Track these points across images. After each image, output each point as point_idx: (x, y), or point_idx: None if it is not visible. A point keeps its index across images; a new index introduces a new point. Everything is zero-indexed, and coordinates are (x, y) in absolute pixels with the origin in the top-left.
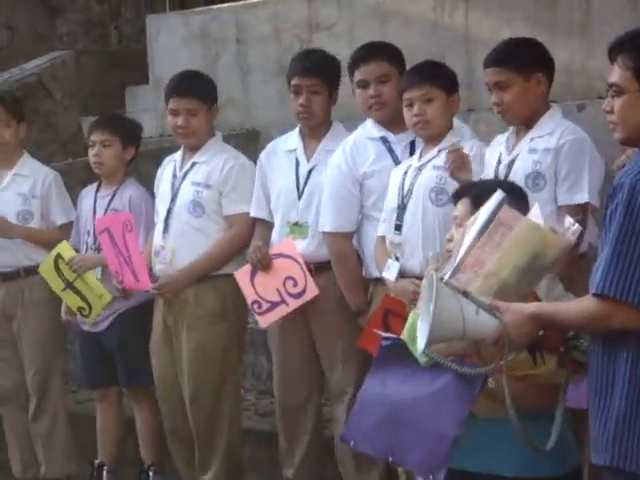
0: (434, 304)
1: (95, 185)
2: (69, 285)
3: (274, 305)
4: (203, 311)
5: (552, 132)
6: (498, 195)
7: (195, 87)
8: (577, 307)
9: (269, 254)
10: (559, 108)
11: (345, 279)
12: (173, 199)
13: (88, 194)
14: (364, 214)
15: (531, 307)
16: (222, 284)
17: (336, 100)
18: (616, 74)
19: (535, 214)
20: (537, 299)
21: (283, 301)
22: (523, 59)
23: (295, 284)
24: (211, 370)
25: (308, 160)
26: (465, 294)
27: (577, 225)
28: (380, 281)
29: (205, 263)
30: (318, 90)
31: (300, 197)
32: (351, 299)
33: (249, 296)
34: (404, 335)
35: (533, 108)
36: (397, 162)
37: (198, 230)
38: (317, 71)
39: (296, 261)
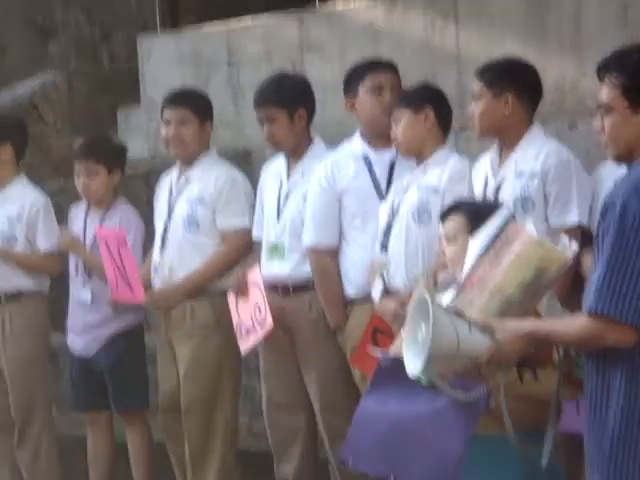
0: (432, 324)
1: (84, 205)
2: None
3: (249, 331)
4: (199, 323)
5: (537, 155)
6: (503, 212)
7: (187, 98)
8: (571, 325)
9: (245, 282)
10: (540, 127)
11: (325, 295)
12: (169, 215)
13: (78, 216)
14: (342, 232)
15: (526, 325)
16: (218, 300)
17: (307, 117)
18: (604, 93)
19: (531, 230)
20: (539, 316)
21: (254, 328)
22: (496, 75)
23: (260, 311)
24: (205, 381)
25: (288, 181)
26: (457, 314)
27: (574, 243)
28: (355, 301)
29: (198, 278)
30: (274, 117)
31: (278, 219)
32: (330, 315)
33: (234, 319)
34: (403, 352)
35: (502, 125)
36: (375, 181)
37: (194, 246)
38: (270, 100)
39: (260, 290)
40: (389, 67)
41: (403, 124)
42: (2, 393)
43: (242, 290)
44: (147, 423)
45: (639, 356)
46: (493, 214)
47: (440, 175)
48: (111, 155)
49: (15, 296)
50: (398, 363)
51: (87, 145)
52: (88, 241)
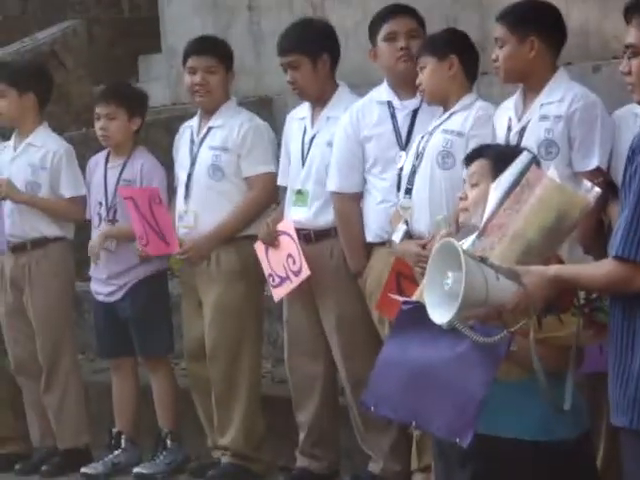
0: (465, 274)
1: (104, 154)
2: None
3: (282, 280)
4: (224, 269)
5: (562, 98)
6: (525, 156)
7: (214, 46)
8: (598, 270)
9: (276, 231)
10: (565, 71)
11: (346, 240)
12: (192, 164)
13: (98, 164)
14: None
15: (552, 269)
16: (243, 245)
17: (331, 64)
18: (633, 35)
19: (553, 176)
20: (560, 262)
21: (288, 277)
22: (519, 19)
23: (294, 262)
24: (230, 325)
25: (312, 128)
26: (483, 260)
27: (596, 188)
28: (375, 246)
29: (228, 227)
30: (297, 64)
31: (303, 165)
32: (351, 260)
33: (265, 269)
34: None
35: (524, 69)
36: (397, 128)
37: (219, 193)
38: (293, 46)
39: (293, 240)
40: (404, 13)
41: (428, 71)
42: (29, 339)
43: (272, 240)
44: (171, 369)
45: None
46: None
47: (465, 119)
48: (131, 100)
49: (40, 242)
50: (420, 308)
51: (108, 89)
52: (110, 190)
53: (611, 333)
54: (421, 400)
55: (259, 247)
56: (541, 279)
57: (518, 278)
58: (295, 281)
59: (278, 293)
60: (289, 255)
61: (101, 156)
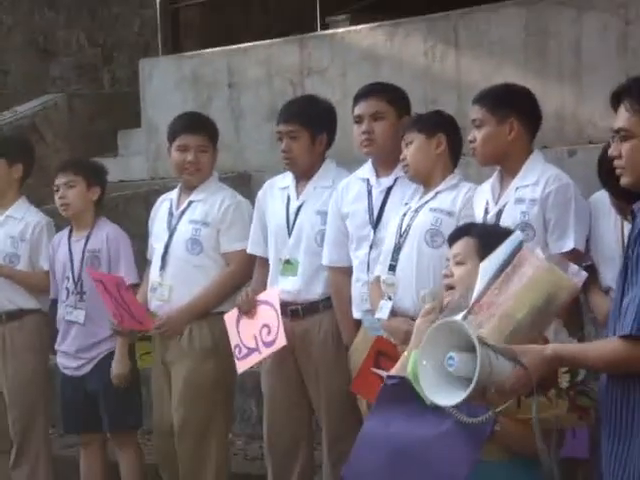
0: (479, 358)
1: (66, 231)
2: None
3: (250, 351)
4: (196, 345)
5: (537, 181)
6: (516, 236)
7: (205, 125)
8: (603, 348)
9: (255, 300)
10: (540, 153)
11: (338, 313)
12: (170, 236)
13: (61, 241)
14: None
15: (549, 349)
16: (216, 322)
17: (327, 144)
18: (623, 118)
19: (541, 257)
20: (547, 342)
21: (257, 348)
22: (499, 101)
23: (269, 332)
24: (199, 403)
25: (298, 197)
26: (481, 340)
27: (583, 272)
28: (359, 322)
29: (203, 302)
30: (297, 136)
31: (290, 234)
32: (344, 331)
33: (233, 339)
34: (408, 374)
35: (505, 151)
36: (369, 206)
37: (195, 267)
38: (297, 118)
39: (274, 309)
40: (371, 95)
41: (414, 147)
42: (1, 413)
43: (249, 308)
44: (138, 445)
45: None
46: (503, 239)
47: (453, 199)
48: (89, 170)
49: (16, 314)
50: (404, 383)
51: (66, 162)
52: (76, 264)
53: (607, 413)
54: (403, 477)
55: (230, 317)
56: (539, 358)
57: (516, 358)
58: (264, 352)
59: (242, 365)
60: (264, 325)
61: (64, 233)
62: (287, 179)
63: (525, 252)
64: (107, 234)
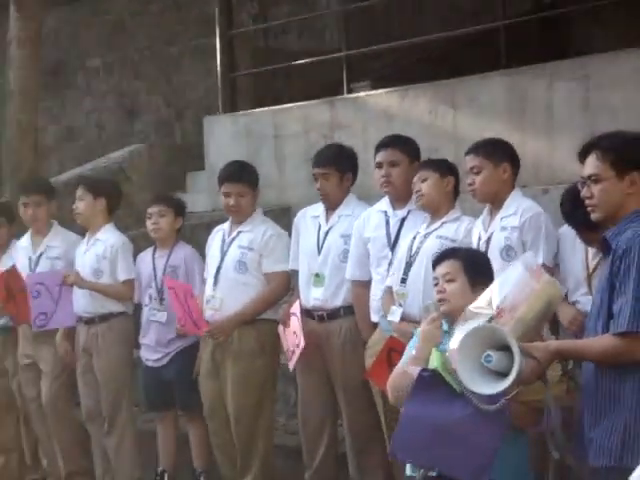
0: (517, 358)
1: (151, 250)
2: None
3: (292, 353)
4: (245, 348)
5: (516, 212)
6: (527, 257)
7: (244, 175)
8: (599, 343)
9: (288, 314)
10: (518, 189)
11: (358, 317)
12: (222, 259)
13: (145, 257)
14: None
15: (553, 345)
16: (261, 327)
17: (352, 181)
18: (592, 166)
19: (545, 274)
20: (543, 340)
21: (294, 351)
22: (494, 150)
23: (296, 337)
24: (251, 396)
25: (327, 223)
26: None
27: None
28: (375, 325)
29: (248, 312)
30: (328, 176)
31: (320, 253)
32: (363, 331)
33: (284, 345)
34: (436, 367)
35: (498, 190)
36: (388, 233)
37: (242, 284)
38: (329, 162)
39: (297, 318)
40: (388, 147)
41: (430, 183)
42: (97, 393)
43: (286, 321)
44: (203, 419)
45: None
46: (482, 260)
47: (457, 229)
48: (177, 205)
49: (106, 317)
50: (436, 375)
51: (160, 195)
52: (158, 275)
53: (593, 392)
54: (442, 450)
55: (280, 328)
56: (547, 352)
57: (531, 353)
58: (297, 352)
59: (292, 364)
60: (294, 332)
61: (149, 251)
62: (319, 209)
63: (533, 269)
64: (185, 254)
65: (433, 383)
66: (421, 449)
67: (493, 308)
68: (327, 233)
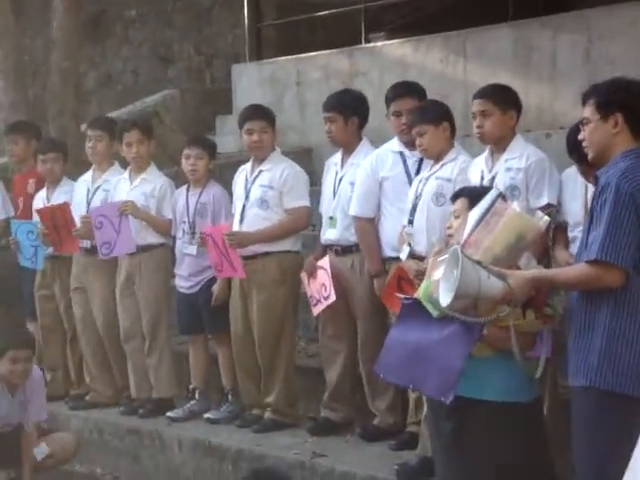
0: (460, 270)
1: (185, 187)
2: None
3: (317, 301)
4: (268, 277)
5: (521, 155)
6: (494, 192)
7: (264, 113)
8: (573, 271)
9: (316, 266)
10: (521, 135)
11: (365, 250)
12: (246, 197)
13: (181, 194)
14: (380, 208)
15: (529, 273)
16: (283, 258)
17: (358, 124)
18: (585, 111)
19: (514, 207)
20: (518, 269)
21: (320, 300)
22: (503, 97)
23: (325, 289)
24: (274, 320)
25: (342, 170)
26: (479, 263)
27: (545, 217)
28: (392, 259)
29: (266, 232)
30: (333, 119)
31: (334, 197)
32: (369, 265)
33: (308, 292)
34: (420, 296)
35: (505, 134)
36: (407, 172)
37: (264, 219)
38: (332, 106)
39: (327, 273)
40: (406, 95)
41: (428, 137)
42: (136, 315)
43: (312, 272)
44: (231, 341)
45: (620, 295)
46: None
47: (452, 169)
48: (211, 148)
49: (147, 247)
50: (417, 303)
51: (196, 137)
52: (191, 211)
53: (575, 318)
54: (417, 370)
55: (304, 276)
56: (523, 279)
57: (505, 278)
58: (324, 303)
59: (315, 310)
60: (322, 284)
61: (183, 188)
62: (338, 156)
63: (500, 204)
64: (214, 193)
65: (414, 309)
66: (400, 368)
67: (461, 239)
68: (341, 180)
